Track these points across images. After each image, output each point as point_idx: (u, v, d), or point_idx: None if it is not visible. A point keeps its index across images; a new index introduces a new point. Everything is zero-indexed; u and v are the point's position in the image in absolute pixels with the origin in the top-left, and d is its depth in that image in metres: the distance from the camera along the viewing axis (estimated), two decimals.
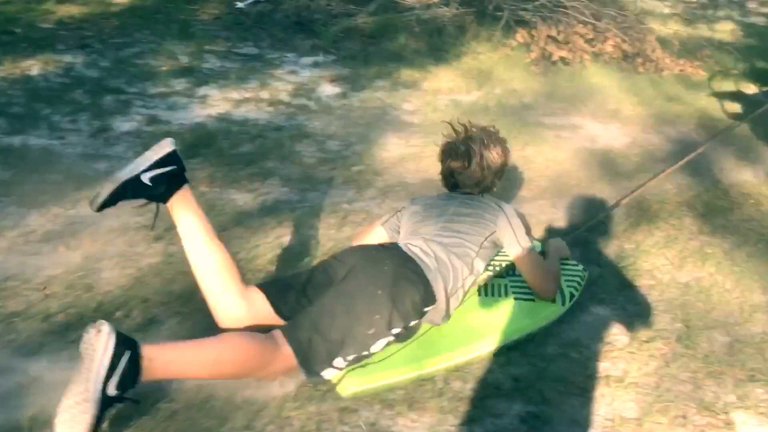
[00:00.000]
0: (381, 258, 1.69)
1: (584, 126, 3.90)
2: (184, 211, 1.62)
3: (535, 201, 2.90)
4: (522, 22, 5.20)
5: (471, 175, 1.96)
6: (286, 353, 1.49)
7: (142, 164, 1.54)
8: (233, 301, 1.60)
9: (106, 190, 1.49)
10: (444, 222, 1.86)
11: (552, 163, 3.31)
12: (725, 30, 6.99)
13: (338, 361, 1.54)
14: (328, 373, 1.55)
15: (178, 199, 1.61)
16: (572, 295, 1.97)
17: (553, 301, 1.91)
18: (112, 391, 1.29)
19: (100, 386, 1.27)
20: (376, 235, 2.00)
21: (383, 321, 1.57)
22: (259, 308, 1.63)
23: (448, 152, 2.00)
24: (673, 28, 5.34)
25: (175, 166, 1.60)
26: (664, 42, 5.23)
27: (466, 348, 1.70)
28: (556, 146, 3.52)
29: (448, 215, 1.88)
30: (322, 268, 1.74)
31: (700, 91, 4.66)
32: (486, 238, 1.84)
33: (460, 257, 1.77)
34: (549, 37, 4.88)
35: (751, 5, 8.38)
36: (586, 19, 4.99)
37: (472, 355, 1.71)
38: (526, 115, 4.01)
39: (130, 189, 1.52)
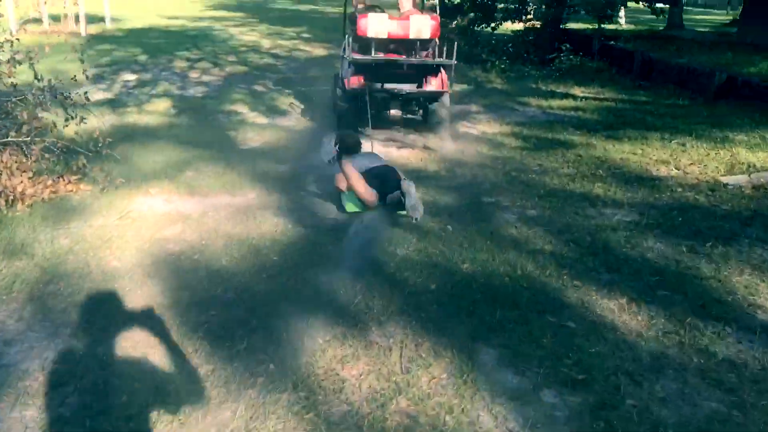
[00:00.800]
0: (385, 165, 4.02)
1: None
2: (347, 164, 3.67)
3: None
4: None
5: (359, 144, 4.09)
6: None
7: (333, 144, 3.70)
8: (372, 191, 3.69)
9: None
10: (370, 156, 4.19)
11: None
12: (158, 110, 6.12)
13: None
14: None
15: (343, 159, 3.67)
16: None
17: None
18: (336, 149, 3.69)
19: (333, 148, 3.74)
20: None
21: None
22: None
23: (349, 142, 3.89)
24: (87, 126, 4.03)
25: (336, 146, 3.71)
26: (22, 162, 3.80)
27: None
28: None
29: (368, 156, 4.18)
30: (375, 177, 3.78)
31: (80, 218, 3.39)
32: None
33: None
34: None
35: (193, 75, 7.88)
36: None
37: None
38: None
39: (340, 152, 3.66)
